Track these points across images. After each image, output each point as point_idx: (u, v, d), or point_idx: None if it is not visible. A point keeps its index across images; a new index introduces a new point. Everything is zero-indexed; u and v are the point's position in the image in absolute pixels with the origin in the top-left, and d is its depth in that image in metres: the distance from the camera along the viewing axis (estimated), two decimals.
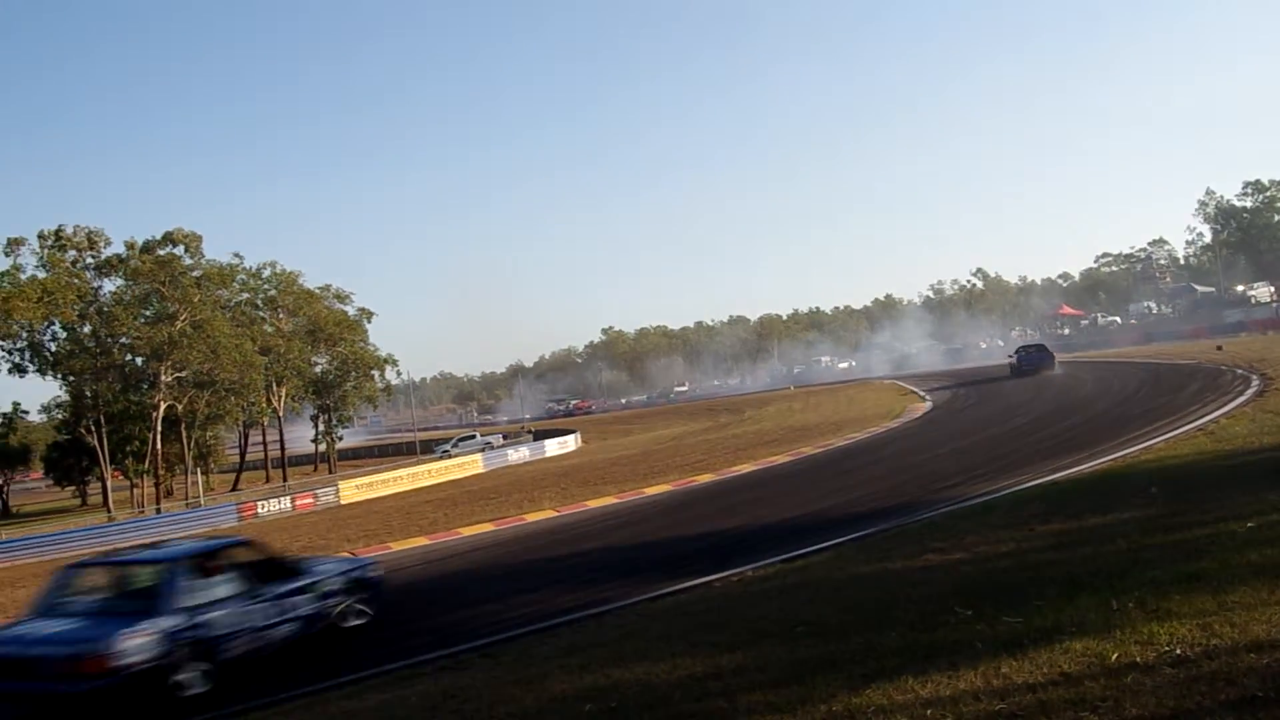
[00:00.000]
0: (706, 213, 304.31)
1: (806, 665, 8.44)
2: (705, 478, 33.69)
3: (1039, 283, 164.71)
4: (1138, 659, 7.19)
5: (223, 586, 13.24)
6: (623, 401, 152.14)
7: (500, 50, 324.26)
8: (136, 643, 11.60)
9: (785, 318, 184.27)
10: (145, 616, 12.09)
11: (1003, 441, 30.16)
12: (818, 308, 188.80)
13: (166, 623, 12.08)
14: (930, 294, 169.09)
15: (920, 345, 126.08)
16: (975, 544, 13.33)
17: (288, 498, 53.47)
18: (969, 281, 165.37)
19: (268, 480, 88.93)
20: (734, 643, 9.86)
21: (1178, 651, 7.23)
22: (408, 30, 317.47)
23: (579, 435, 79.20)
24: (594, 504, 30.78)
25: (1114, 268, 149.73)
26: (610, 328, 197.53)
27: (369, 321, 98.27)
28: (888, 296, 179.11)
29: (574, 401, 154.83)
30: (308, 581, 14.64)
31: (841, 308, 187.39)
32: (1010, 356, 66.88)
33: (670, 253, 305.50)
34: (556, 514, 29.88)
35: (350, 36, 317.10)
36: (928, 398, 56.41)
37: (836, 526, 17.86)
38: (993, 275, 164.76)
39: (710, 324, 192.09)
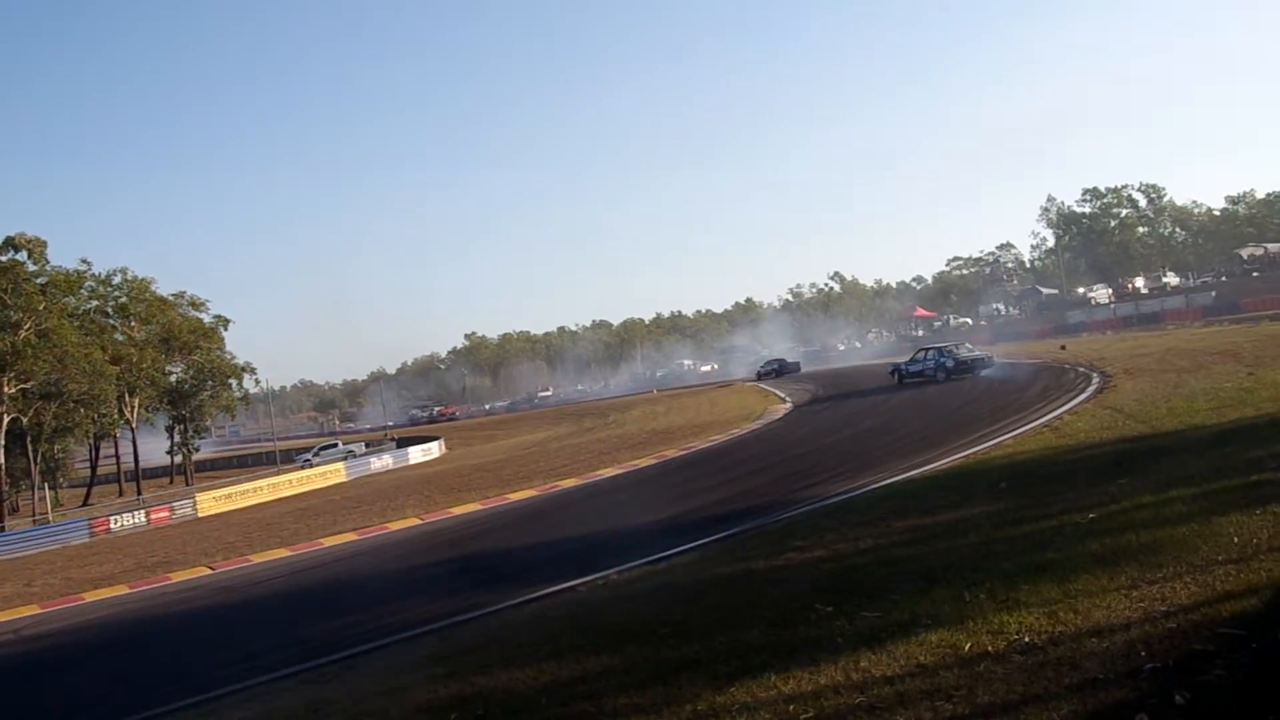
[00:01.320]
0: (567, 218, 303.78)
1: (671, 666, 8.54)
2: (570, 482, 33.70)
3: (894, 286, 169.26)
4: (989, 648, 7.46)
5: None
6: (486, 407, 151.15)
7: (348, 43, 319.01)
8: None
9: (648, 322, 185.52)
10: None
11: (860, 440, 30.81)
12: (679, 312, 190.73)
13: None
14: (789, 297, 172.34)
15: (780, 348, 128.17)
16: (835, 542, 13.62)
17: (142, 512, 51.78)
18: (827, 285, 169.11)
19: (121, 494, 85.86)
20: (599, 646, 9.90)
21: (1026, 639, 7.53)
22: (251, 23, 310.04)
23: (443, 442, 78.48)
24: (458, 511, 30.57)
25: (965, 271, 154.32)
26: (473, 333, 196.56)
27: (225, 329, 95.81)
28: (748, 300, 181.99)
29: (437, 408, 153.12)
30: None
31: (703, 311, 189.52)
32: (760, 368, 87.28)
33: (531, 258, 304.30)
34: (420, 522, 29.61)
35: (194, 27, 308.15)
36: (788, 399, 57.27)
37: (700, 528, 18.02)
38: (849, 279, 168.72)
39: (573, 329, 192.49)
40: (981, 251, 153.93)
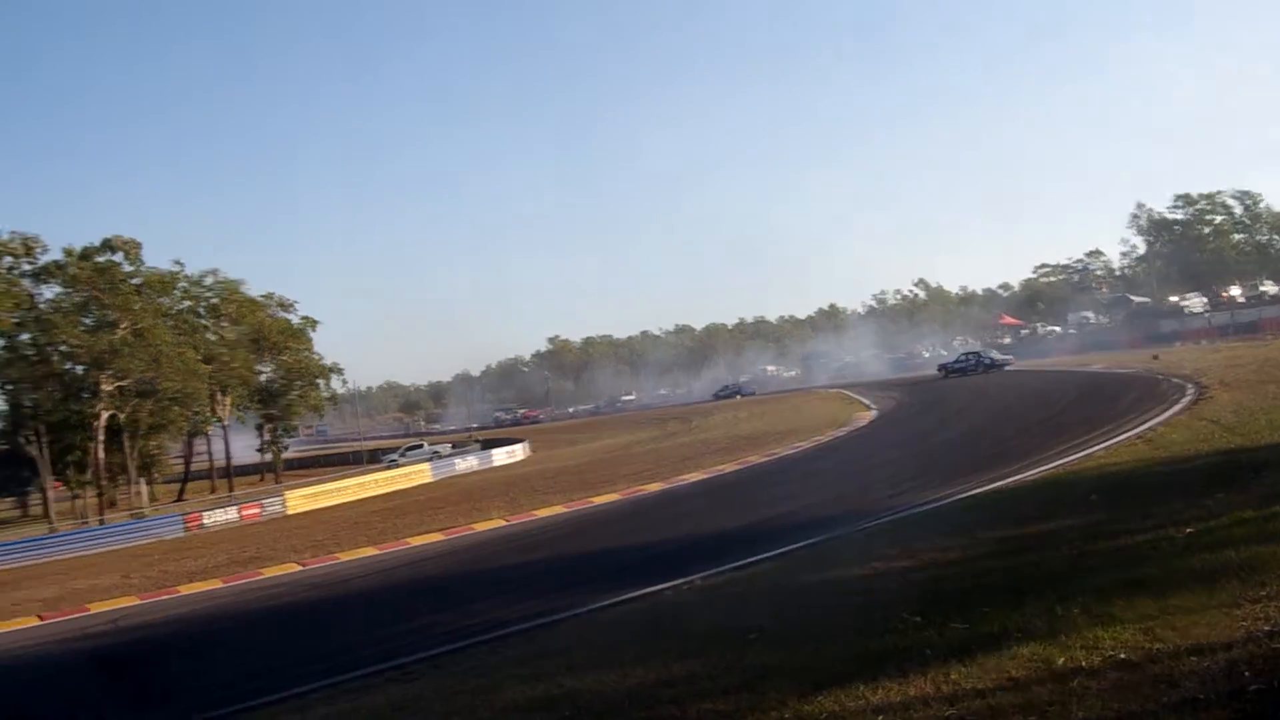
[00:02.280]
0: (652, 222, 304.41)
1: (756, 673, 8.51)
2: (653, 487, 33.74)
3: (979, 293, 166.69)
4: (1083, 663, 7.33)
5: None
6: (570, 410, 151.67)
7: (429, 45, 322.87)
8: None
9: (730, 327, 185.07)
10: None
11: (947, 449, 30.47)
12: (762, 317, 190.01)
13: None
14: (874, 304, 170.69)
15: (865, 354, 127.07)
16: (921, 551, 13.47)
17: (234, 508, 52.83)
18: (911, 291, 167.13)
19: (213, 490, 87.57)
20: (684, 651, 9.90)
21: (1122, 655, 7.38)
22: (350, 31, 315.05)
23: (527, 444, 78.83)
24: (542, 513, 30.76)
25: (1053, 278, 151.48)
26: (557, 337, 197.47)
27: (313, 330, 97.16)
28: (832, 306, 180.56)
29: (521, 410, 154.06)
30: None
31: (786, 317, 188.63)
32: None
33: (617, 262, 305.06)
34: (505, 523, 29.82)
35: (288, 38, 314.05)
36: (873, 406, 56.79)
37: (785, 534, 17.94)
38: (934, 285, 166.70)
39: (656, 333, 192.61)
40: (1070, 258, 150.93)
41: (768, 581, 13.86)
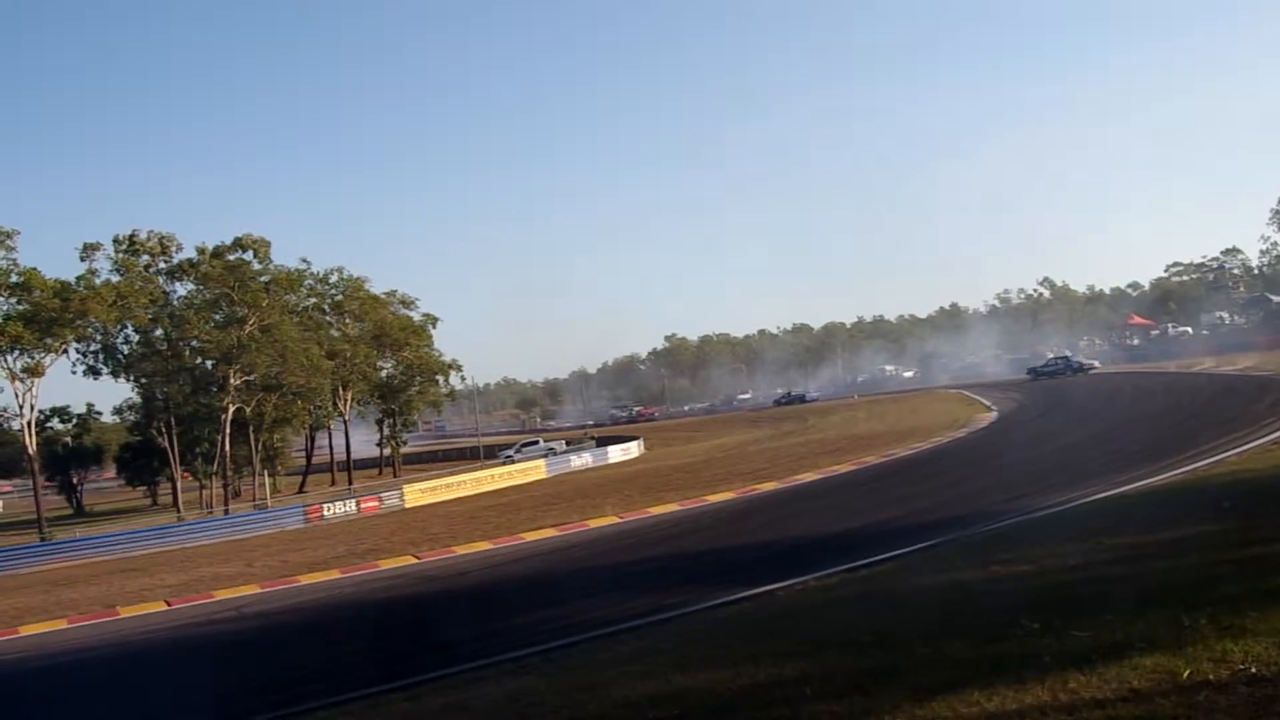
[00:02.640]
0: (771, 219, 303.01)
1: (870, 675, 8.38)
2: (768, 486, 33.58)
3: (1108, 292, 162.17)
4: (1210, 677, 7.05)
5: None
6: (685, 408, 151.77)
7: (562, 51, 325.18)
8: None
9: (849, 326, 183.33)
10: None
11: (1071, 452, 29.75)
12: (882, 316, 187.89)
13: None
14: (996, 303, 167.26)
15: (986, 354, 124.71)
16: (1042, 556, 13.16)
17: (353, 500, 53.93)
18: (1036, 291, 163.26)
19: (333, 483, 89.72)
20: (797, 652, 9.81)
21: (1253, 670, 7.08)
22: (472, 26, 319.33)
23: (642, 442, 79.10)
24: (656, 511, 30.81)
25: (1185, 277, 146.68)
26: (673, 334, 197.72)
27: (434, 327, 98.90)
28: (953, 305, 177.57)
29: (637, 408, 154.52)
30: None
31: (906, 316, 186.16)
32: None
33: (733, 259, 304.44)
34: (619, 520, 29.95)
35: (410, 32, 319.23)
36: (994, 407, 55.76)
37: (900, 536, 17.71)
38: (1060, 284, 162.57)
39: (774, 332, 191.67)
40: (1204, 257, 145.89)
41: (883, 583, 13.68)
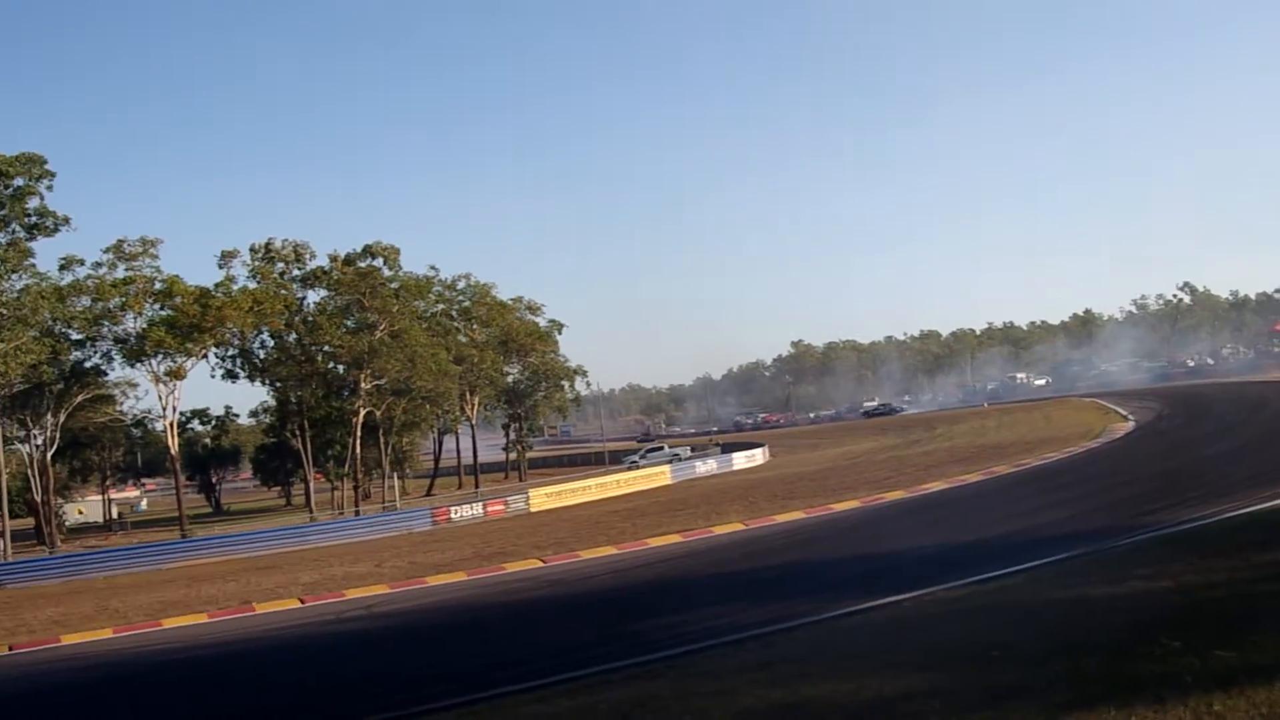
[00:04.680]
0: (897, 225, 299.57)
1: (1000, 691, 8.20)
2: (895, 495, 33.14)
3: (1253, 297, 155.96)
4: None
5: None
6: (811, 416, 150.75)
7: (686, 55, 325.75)
8: None
9: (978, 333, 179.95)
10: None
11: (1213, 464, 28.71)
12: (1011, 323, 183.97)
13: None
14: (1133, 309, 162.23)
15: (1122, 363, 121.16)
16: (1183, 572, 12.71)
17: (480, 504, 54.69)
18: (1175, 296, 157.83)
19: (460, 486, 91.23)
20: (925, 664, 9.64)
21: None
22: (590, 33, 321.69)
23: (766, 449, 78.81)
24: (781, 518, 30.64)
25: None
26: (800, 340, 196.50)
27: (559, 333, 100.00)
28: (1087, 312, 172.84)
29: (762, 415, 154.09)
30: None
31: (1038, 323, 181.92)
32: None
33: (859, 265, 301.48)
34: (744, 527, 29.82)
35: (528, 40, 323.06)
36: (1130, 417, 54.17)
37: (1032, 548, 17.29)
38: (1201, 289, 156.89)
39: (901, 338, 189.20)
40: None
41: (1013, 596, 13.36)
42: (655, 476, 63.31)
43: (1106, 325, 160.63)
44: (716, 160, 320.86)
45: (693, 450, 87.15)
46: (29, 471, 69.77)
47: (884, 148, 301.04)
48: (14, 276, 59.46)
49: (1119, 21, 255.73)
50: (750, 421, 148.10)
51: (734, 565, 22.43)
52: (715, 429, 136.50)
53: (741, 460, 72.20)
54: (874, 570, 18.45)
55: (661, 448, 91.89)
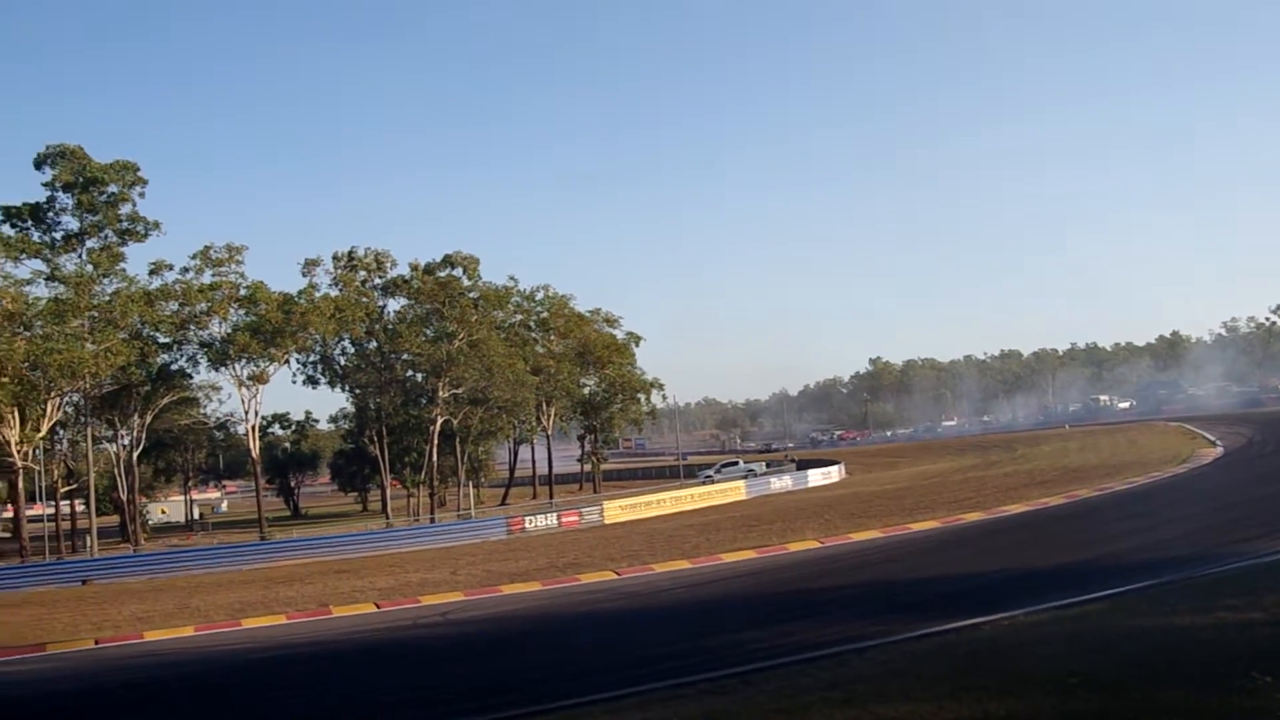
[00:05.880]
0: (979, 242, 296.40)
1: (1080, 719, 8.02)
2: (974, 516, 32.67)
3: None
4: None
5: None
6: (888, 434, 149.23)
7: (753, 81, 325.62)
8: None
9: (1061, 353, 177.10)
10: None
11: None
12: (1095, 344, 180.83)
13: None
14: (1223, 332, 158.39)
15: (1210, 387, 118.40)
16: (1276, 605, 12.34)
17: (554, 514, 54.86)
18: (1268, 319, 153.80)
19: (534, 496, 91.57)
20: (1002, 689, 9.46)
21: None
22: (706, 63, 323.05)
23: (842, 466, 78.18)
24: (857, 537, 30.34)
25: None
26: (877, 358, 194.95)
27: (637, 345, 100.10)
28: (1174, 334, 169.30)
29: (838, 432, 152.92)
30: None
31: (1123, 344, 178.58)
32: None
33: (940, 282, 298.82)
34: (819, 545, 29.59)
35: (618, 68, 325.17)
36: (1219, 443, 52.89)
37: (1116, 574, 16.93)
38: None
39: (981, 358, 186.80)
40: None
41: (1095, 623, 13.09)
42: (730, 491, 63.10)
43: (1194, 348, 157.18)
44: (791, 178, 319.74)
45: (768, 466, 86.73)
46: (115, 470, 71.57)
47: (972, 162, 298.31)
48: (106, 280, 61.31)
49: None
50: (826, 438, 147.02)
51: (808, 583, 22.25)
52: (791, 445, 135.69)
53: (817, 477, 71.69)
54: (951, 592, 18.19)
55: (736, 462, 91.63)
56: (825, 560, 26.19)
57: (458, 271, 77.72)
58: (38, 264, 60.11)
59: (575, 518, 54.28)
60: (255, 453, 71.51)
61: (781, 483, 68.50)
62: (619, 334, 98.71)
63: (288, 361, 70.66)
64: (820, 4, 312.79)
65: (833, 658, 12.89)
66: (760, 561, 27.71)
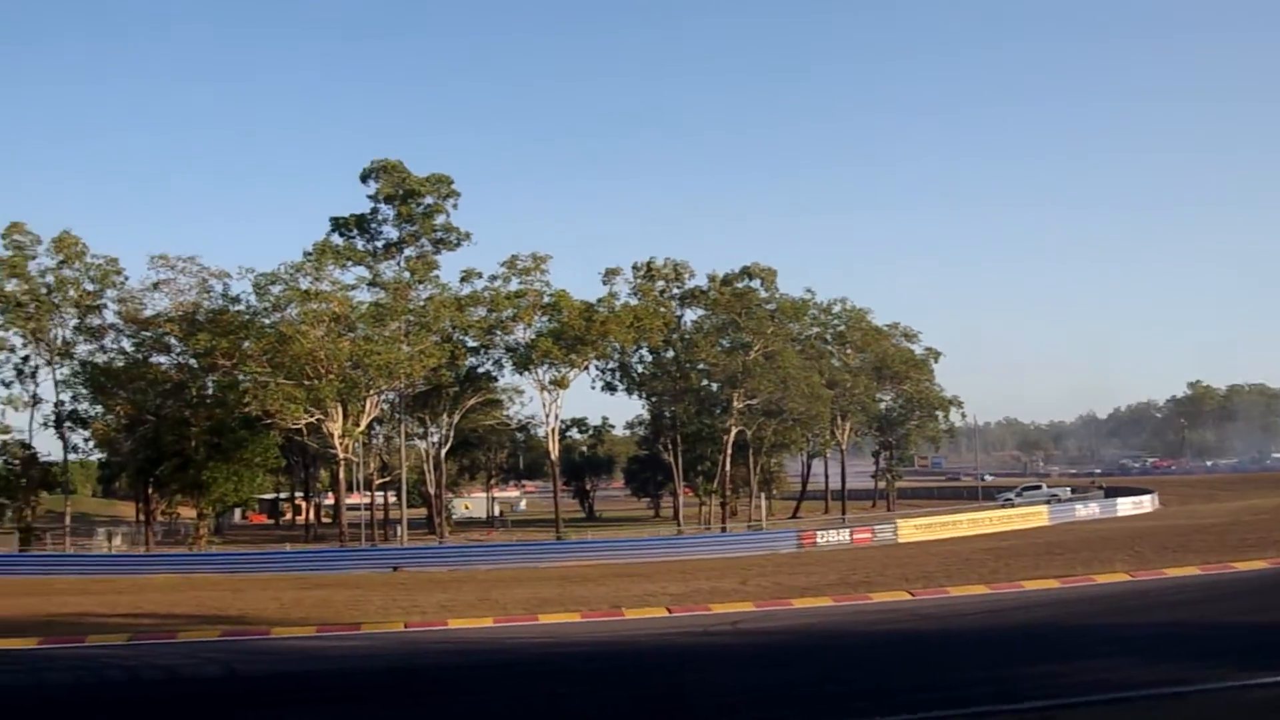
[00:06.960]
0: None
1: None
2: None
3: None
4: None
5: None
6: (1208, 464, 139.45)
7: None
8: None
9: None
10: None
11: None
12: None
13: None
14: None
15: None
16: None
17: (846, 530, 54.32)
18: None
19: (826, 511, 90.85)
20: None
21: None
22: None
23: (1156, 496, 73.72)
24: (1173, 572, 28.40)
25: None
26: (1197, 382, 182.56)
27: (936, 361, 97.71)
28: None
29: (1151, 460, 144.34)
30: None
31: None
32: None
33: (1271, 301, 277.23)
34: (1129, 578, 27.90)
35: (958, 90, 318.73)
36: None
37: None
38: None
39: None
40: None
41: None
42: (1031, 516, 60.78)
43: None
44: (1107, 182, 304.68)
45: (1073, 491, 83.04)
46: (425, 466, 76.05)
47: None
48: (421, 286, 65.30)
49: None
50: (1138, 466, 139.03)
51: (1117, 617, 21.03)
52: (1099, 470, 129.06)
53: (1127, 506, 67.99)
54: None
55: (1039, 486, 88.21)
56: (1136, 594, 24.68)
57: (755, 283, 78.12)
58: (361, 270, 64.95)
59: (868, 534, 53.58)
60: (554, 455, 74.18)
61: (1088, 510, 65.46)
62: (918, 349, 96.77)
63: (587, 368, 73.03)
64: None
65: (1147, 700, 12.10)
66: (1064, 591, 26.38)
